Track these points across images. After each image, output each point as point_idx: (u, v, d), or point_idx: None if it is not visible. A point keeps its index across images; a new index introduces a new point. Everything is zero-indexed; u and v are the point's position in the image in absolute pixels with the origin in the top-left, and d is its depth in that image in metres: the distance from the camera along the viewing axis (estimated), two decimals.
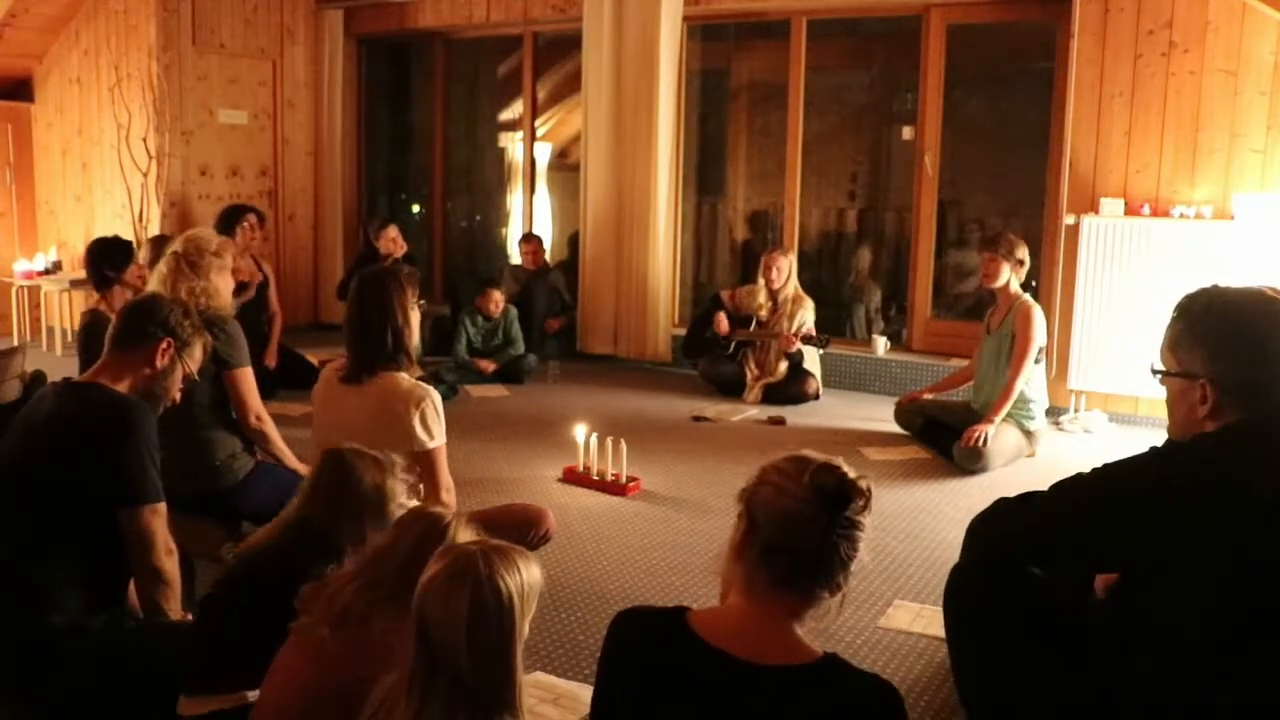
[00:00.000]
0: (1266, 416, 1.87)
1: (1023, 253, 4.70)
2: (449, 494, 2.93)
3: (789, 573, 1.51)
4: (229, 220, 5.92)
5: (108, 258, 4.35)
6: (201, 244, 3.43)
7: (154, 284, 3.40)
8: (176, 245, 3.45)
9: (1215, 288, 1.99)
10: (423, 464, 2.90)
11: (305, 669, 1.84)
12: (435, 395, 2.89)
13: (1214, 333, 1.92)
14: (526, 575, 1.59)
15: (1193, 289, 2.00)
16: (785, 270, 5.91)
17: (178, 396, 2.56)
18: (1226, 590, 1.80)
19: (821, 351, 5.98)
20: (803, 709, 1.46)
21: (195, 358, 2.54)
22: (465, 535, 1.88)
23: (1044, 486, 2.11)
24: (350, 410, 2.89)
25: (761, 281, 5.95)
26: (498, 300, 6.44)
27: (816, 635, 2.97)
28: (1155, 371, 2.03)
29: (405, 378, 2.90)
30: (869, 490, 1.52)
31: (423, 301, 3.14)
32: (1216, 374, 1.89)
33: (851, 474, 1.52)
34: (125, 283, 4.37)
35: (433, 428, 2.86)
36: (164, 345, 2.45)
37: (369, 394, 2.87)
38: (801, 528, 1.49)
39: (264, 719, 1.87)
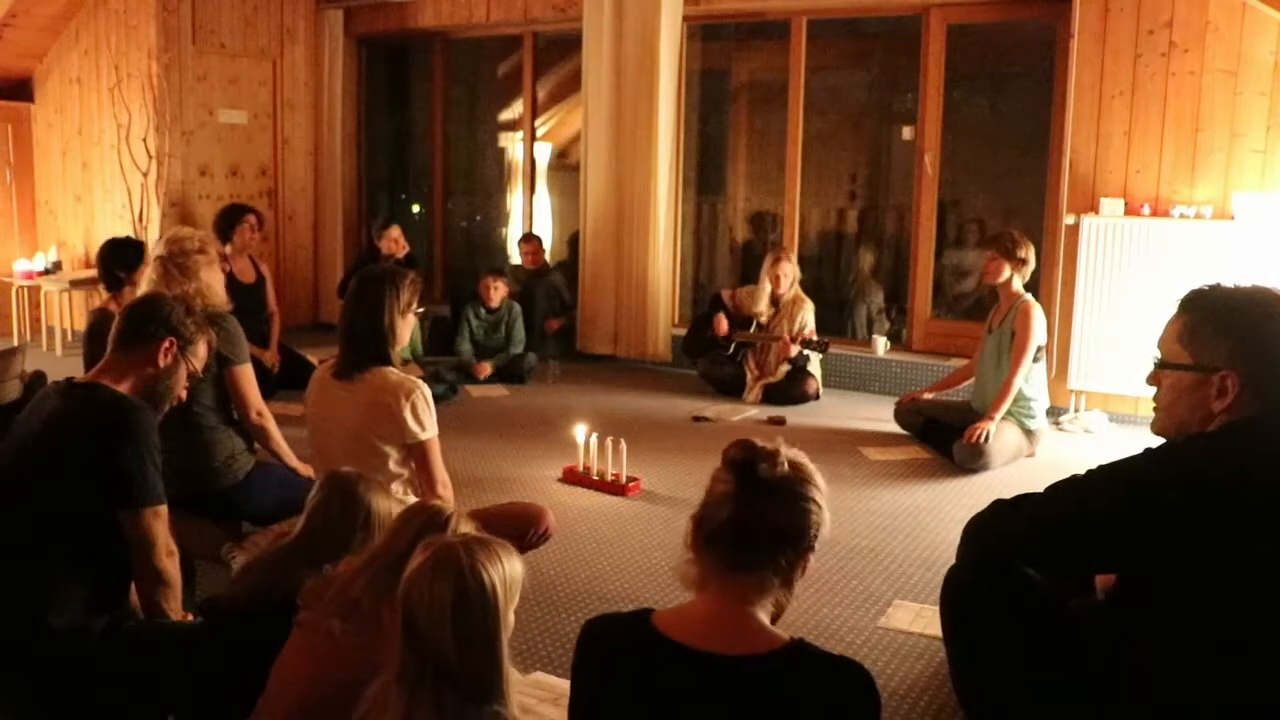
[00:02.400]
0: (1277, 413, 1.86)
1: (1025, 252, 4.69)
2: (445, 489, 2.94)
3: (728, 553, 1.53)
4: (229, 220, 5.89)
5: (118, 259, 4.35)
6: (185, 244, 3.42)
7: (145, 291, 3.38)
8: (159, 250, 3.43)
9: (1220, 284, 1.97)
10: (416, 457, 2.92)
11: (312, 662, 1.86)
12: (424, 388, 2.92)
13: (1241, 324, 1.89)
14: (508, 566, 1.62)
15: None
16: (790, 276, 5.93)
17: (184, 395, 2.56)
18: (1225, 589, 1.79)
19: (820, 355, 5.98)
20: (771, 696, 1.46)
21: (200, 355, 2.54)
22: (466, 529, 1.90)
23: (1043, 487, 2.10)
24: (343, 406, 2.91)
25: (767, 286, 5.93)
26: (496, 286, 6.35)
27: (816, 635, 2.97)
28: (1165, 365, 1.98)
29: (394, 371, 2.93)
30: (778, 451, 1.54)
31: (421, 310, 3.15)
32: (1243, 365, 1.87)
33: (762, 444, 1.55)
34: (136, 283, 4.38)
35: (424, 419, 2.88)
36: (166, 344, 2.44)
37: (360, 389, 2.89)
38: (724, 503, 1.52)
39: (272, 712, 1.87)
